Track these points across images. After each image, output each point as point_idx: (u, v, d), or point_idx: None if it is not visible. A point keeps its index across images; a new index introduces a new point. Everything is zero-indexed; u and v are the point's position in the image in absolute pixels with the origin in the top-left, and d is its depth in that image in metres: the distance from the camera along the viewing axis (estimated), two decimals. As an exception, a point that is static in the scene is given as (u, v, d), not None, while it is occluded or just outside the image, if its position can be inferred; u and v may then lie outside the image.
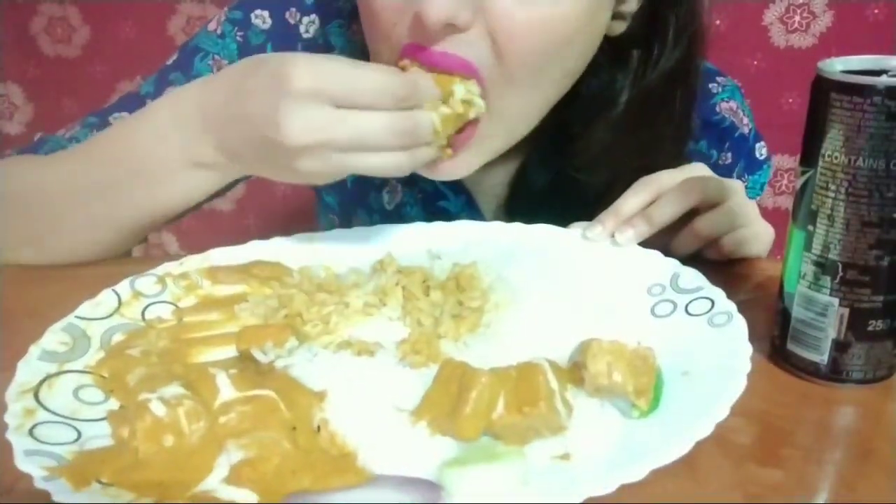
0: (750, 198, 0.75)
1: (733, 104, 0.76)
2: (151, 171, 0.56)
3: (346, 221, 0.81)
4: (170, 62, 0.72)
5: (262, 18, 0.70)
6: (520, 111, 0.59)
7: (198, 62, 0.70)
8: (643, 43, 0.63)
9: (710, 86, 0.75)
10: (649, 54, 0.63)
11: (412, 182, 0.73)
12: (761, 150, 0.78)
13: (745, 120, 0.76)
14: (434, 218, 0.65)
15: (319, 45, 0.71)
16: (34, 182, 0.62)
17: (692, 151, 0.73)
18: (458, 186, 0.74)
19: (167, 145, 0.55)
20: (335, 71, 0.48)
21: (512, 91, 0.56)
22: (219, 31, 0.71)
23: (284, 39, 0.70)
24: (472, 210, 0.75)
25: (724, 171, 0.76)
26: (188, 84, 0.57)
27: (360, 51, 0.69)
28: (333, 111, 0.48)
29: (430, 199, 0.74)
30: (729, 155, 0.76)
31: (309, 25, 0.71)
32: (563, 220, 0.61)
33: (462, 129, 0.55)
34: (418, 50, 0.53)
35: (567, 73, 0.59)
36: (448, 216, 0.71)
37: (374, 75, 0.49)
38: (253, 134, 0.50)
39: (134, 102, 0.69)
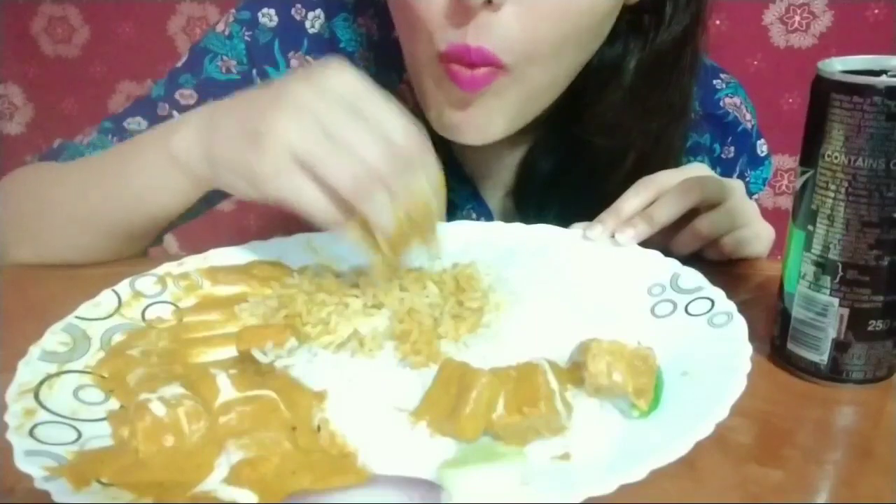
0: (753, 192, 0.77)
1: (737, 100, 0.77)
2: (132, 164, 0.56)
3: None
4: (179, 64, 0.72)
5: (268, 17, 0.70)
6: (542, 82, 0.59)
7: (207, 63, 0.71)
8: (654, 7, 0.64)
9: (714, 82, 0.76)
10: (660, 18, 0.64)
11: None
12: (762, 148, 0.79)
13: (748, 116, 0.77)
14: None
15: (325, 40, 0.71)
16: (39, 183, 0.63)
17: (696, 144, 0.73)
18: (463, 177, 0.74)
19: (156, 136, 0.55)
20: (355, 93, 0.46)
21: (537, 65, 0.57)
22: (227, 32, 0.71)
23: (291, 36, 0.71)
24: (477, 201, 0.75)
25: (727, 164, 0.77)
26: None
27: (366, 44, 0.71)
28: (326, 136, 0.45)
29: None
30: (732, 149, 0.76)
31: (314, 20, 0.71)
32: (570, 206, 0.63)
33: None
34: (461, 52, 0.54)
35: (590, 44, 0.60)
36: (453, 207, 0.72)
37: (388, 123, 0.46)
38: (244, 116, 0.48)
39: (146, 106, 0.70)
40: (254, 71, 0.71)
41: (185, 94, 0.70)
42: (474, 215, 0.75)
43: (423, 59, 0.58)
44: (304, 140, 0.44)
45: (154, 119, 0.70)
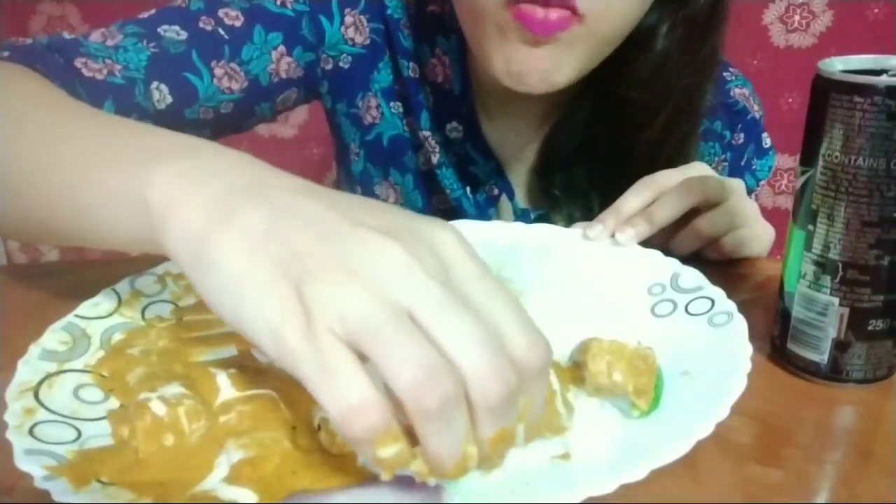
0: (760, 179, 0.79)
1: (745, 91, 0.79)
2: (97, 177, 0.40)
3: (370, 190, 0.80)
4: None
5: None
6: (610, 36, 0.59)
7: None
8: None
9: (724, 74, 0.78)
10: None
11: (447, 144, 0.74)
12: (766, 140, 0.81)
13: (756, 107, 0.79)
14: (465, 181, 0.68)
15: (377, 4, 0.71)
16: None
17: (708, 130, 0.74)
18: (487, 152, 0.74)
19: (143, 161, 0.37)
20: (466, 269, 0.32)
21: (608, 19, 0.57)
22: None
23: None
24: (500, 176, 0.75)
25: (737, 150, 0.78)
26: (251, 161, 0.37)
27: (406, 15, 0.71)
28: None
29: (461, 162, 0.75)
30: (742, 136, 0.78)
31: None
32: (595, 182, 0.66)
33: None
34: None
35: (648, 4, 0.60)
36: (476, 181, 0.73)
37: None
38: (295, 240, 0.31)
39: (183, 16, 0.65)
40: (306, 16, 0.69)
41: (231, 15, 0.65)
42: (496, 190, 0.76)
43: (490, 5, 0.56)
44: (369, 308, 0.29)
45: (195, 31, 0.64)
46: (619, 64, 0.65)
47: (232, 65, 0.65)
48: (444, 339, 0.29)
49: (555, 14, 0.54)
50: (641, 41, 0.64)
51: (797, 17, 1.46)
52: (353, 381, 0.28)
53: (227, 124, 0.70)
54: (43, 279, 0.59)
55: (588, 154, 0.72)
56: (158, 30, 0.63)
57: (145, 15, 0.65)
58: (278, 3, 0.68)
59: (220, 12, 0.66)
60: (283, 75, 0.70)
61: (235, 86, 0.67)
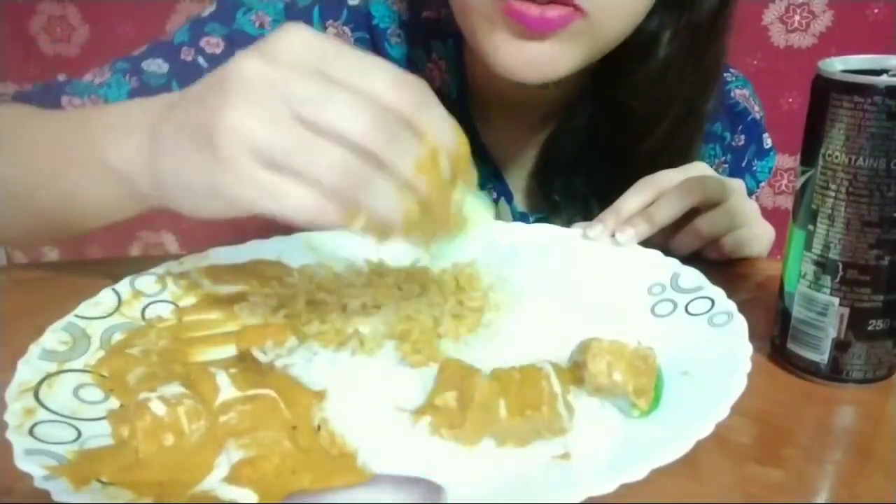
0: (760, 181, 0.79)
1: (746, 92, 0.79)
2: (65, 164, 0.49)
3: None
4: (206, 13, 0.69)
5: None
6: (613, 33, 0.58)
7: (240, 16, 0.68)
8: None
9: (725, 75, 0.77)
10: None
11: None
12: (767, 141, 0.81)
13: (756, 108, 0.79)
14: None
15: (363, 14, 0.70)
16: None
17: (708, 132, 0.74)
18: (485, 156, 0.74)
19: (90, 137, 0.46)
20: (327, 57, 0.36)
21: (613, 15, 0.56)
22: None
23: (332, 3, 0.70)
24: (498, 181, 0.75)
25: (738, 152, 0.78)
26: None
27: (398, 21, 0.70)
28: (289, 117, 0.35)
29: None
30: (742, 137, 0.78)
31: None
32: (594, 186, 0.66)
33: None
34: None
35: (650, 5, 0.59)
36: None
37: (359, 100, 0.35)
38: (188, 116, 0.39)
39: (166, 50, 0.67)
40: None
41: (212, 43, 0.67)
42: (495, 195, 0.75)
43: (481, 3, 0.55)
44: (265, 128, 0.35)
45: (177, 63, 0.66)
46: (620, 72, 0.65)
47: None
48: (329, 125, 0.35)
49: (554, 11, 0.53)
50: (643, 48, 0.64)
51: (797, 17, 1.46)
52: (301, 192, 0.35)
53: None
54: (43, 279, 0.59)
55: (587, 160, 0.72)
56: (142, 65, 0.66)
57: (135, 52, 0.68)
58: (257, 24, 0.68)
59: (202, 41, 0.67)
60: None
61: None
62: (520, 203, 0.77)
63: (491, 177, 0.75)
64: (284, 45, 0.36)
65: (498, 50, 0.57)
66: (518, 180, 0.76)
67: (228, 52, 0.67)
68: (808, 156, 0.43)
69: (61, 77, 0.66)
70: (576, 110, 0.71)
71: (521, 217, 0.76)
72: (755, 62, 1.46)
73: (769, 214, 0.62)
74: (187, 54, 0.66)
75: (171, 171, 0.40)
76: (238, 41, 0.67)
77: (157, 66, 0.66)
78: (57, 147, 0.50)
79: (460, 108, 0.72)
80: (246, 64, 0.36)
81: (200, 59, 0.66)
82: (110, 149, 0.44)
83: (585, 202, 0.71)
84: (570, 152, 0.72)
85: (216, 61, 0.66)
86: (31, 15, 1.57)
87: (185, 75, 0.65)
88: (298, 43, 0.36)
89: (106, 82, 0.65)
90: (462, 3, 0.59)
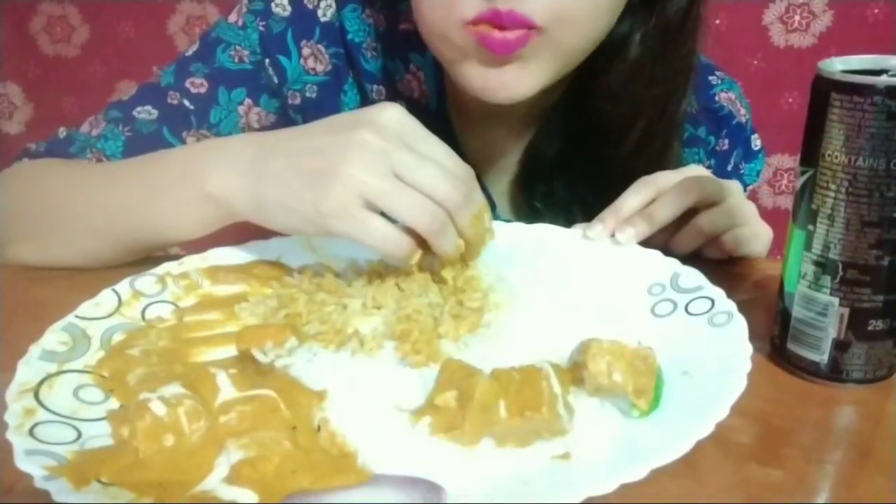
0: (747, 184, 0.79)
1: (731, 95, 0.78)
2: (162, 193, 0.56)
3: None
4: (189, 53, 0.72)
5: (281, 6, 0.71)
6: (576, 44, 0.60)
7: (220, 53, 0.71)
8: None
9: (710, 78, 0.77)
10: None
11: None
12: (756, 142, 0.80)
13: (742, 111, 0.78)
14: None
15: (336, 29, 0.72)
16: (48, 184, 0.63)
17: (692, 136, 0.75)
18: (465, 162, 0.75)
19: (190, 172, 0.54)
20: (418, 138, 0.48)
21: (571, 26, 0.57)
22: (240, 23, 0.71)
23: (304, 24, 0.71)
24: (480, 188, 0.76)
25: (722, 156, 0.78)
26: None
27: (373, 34, 0.72)
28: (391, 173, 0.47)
29: None
30: (726, 141, 0.78)
31: (326, 9, 0.71)
32: (575, 190, 0.68)
33: None
34: (492, 17, 0.54)
35: (620, 7, 0.60)
36: None
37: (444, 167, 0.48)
38: (307, 162, 0.48)
39: (154, 94, 0.70)
40: (266, 60, 0.71)
41: (196, 83, 0.70)
42: None
43: (450, 26, 0.57)
44: (376, 181, 0.46)
45: (164, 108, 0.70)
46: (592, 76, 0.66)
47: (202, 130, 0.71)
48: (422, 185, 0.46)
49: (512, 34, 0.55)
50: (614, 51, 0.65)
51: (797, 17, 1.46)
52: (384, 226, 0.47)
53: None
54: (43, 279, 0.59)
55: (568, 166, 0.72)
56: (133, 112, 0.70)
57: (126, 97, 0.71)
58: (236, 59, 0.71)
59: (187, 83, 0.70)
60: (256, 125, 0.74)
61: None
62: (503, 211, 0.77)
63: None
64: (386, 120, 0.48)
65: (469, 77, 0.60)
66: (500, 187, 0.77)
67: (212, 91, 0.71)
68: (808, 156, 0.43)
69: (61, 132, 0.70)
70: (554, 116, 0.71)
71: None
72: (755, 62, 1.46)
73: (769, 214, 0.63)
74: (173, 98, 0.70)
75: (277, 199, 0.49)
76: (220, 78, 0.71)
77: (146, 112, 0.70)
78: (152, 179, 0.57)
79: (440, 118, 0.72)
80: (363, 134, 0.47)
81: (186, 102, 0.70)
82: (210, 180, 0.52)
83: (567, 209, 0.71)
84: (550, 158, 0.72)
85: (201, 101, 0.70)
86: (31, 15, 1.58)
87: (173, 119, 0.70)
88: (396, 121, 0.48)
89: (102, 134, 0.69)
90: (435, 34, 0.60)
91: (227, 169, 0.52)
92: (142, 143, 0.68)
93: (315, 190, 0.46)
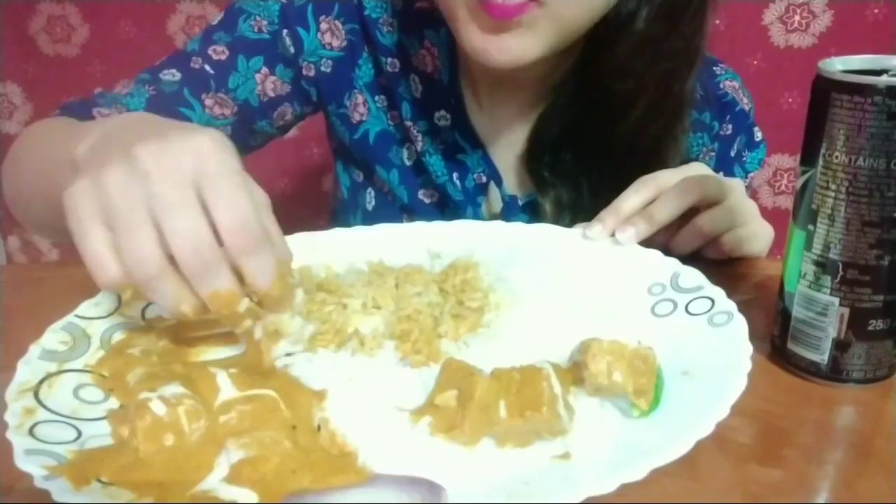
0: (749, 171, 0.81)
1: (735, 84, 0.81)
2: (55, 156, 0.54)
3: (362, 192, 0.84)
4: (215, 23, 0.76)
5: None
6: (575, 17, 0.62)
7: (241, 23, 0.74)
8: None
9: (714, 68, 0.80)
10: None
11: (435, 132, 0.77)
12: (757, 134, 0.82)
13: (745, 100, 0.81)
14: (452, 169, 0.74)
15: (354, 6, 0.75)
16: (30, 147, 0.65)
17: (696, 121, 0.76)
18: (474, 141, 0.77)
19: (70, 141, 0.49)
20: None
21: (569, 1, 0.59)
22: None
23: (325, 1, 0.74)
24: (487, 164, 0.77)
25: (725, 141, 0.80)
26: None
27: (390, 11, 0.75)
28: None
29: (449, 150, 0.77)
30: (730, 126, 0.80)
31: None
32: (581, 167, 0.70)
33: None
34: None
35: None
36: (464, 168, 0.77)
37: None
38: (102, 151, 0.44)
39: (179, 60, 0.74)
40: (284, 31, 0.74)
41: (218, 50, 0.74)
42: (484, 178, 0.77)
43: None
44: (120, 198, 0.39)
45: (187, 71, 0.73)
46: (600, 49, 0.67)
47: (220, 94, 0.74)
48: (164, 231, 0.39)
49: (512, 1, 0.57)
50: (622, 25, 0.66)
51: (797, 17, 1.45)
52: (100, 244, 0.40)
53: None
54: (43, 279, 0.59)
55: (575, 140, 0.74)
56: (160, 74, 0.73)
57: (157, 62, 0.75)
58: (255, 29, 0.74)
59: (210, 50, 0.74)
60: (272, 94, 0.76)
61: (227, 111, 0.74)
62: (509, 186, 0.78)
63: (481, 161, 0.77)
64: (186, 148, 0.40)
65: (471, 39, 0.62)
66: (507, 162, 0.78)
67: (232, 58, 0.74)
68: (808, 156, 0.43)
69: (97, 90, 0.74)
70: (564, 90, 0.73)
71: (510, 200, 0.77)
72: (755, 62, 1.46)
73: (769, 214, 0.62)
74: (196, 63, 0.73)
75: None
76: (240, 47, 0.74)
77: (171, 74, 0.73)
78: (57, 140, 0.56)
79: (451, 93, 0.75)
80: (143, 151, 0.40)
81: (207, 67, 0.73)
82: (80, 143, 0.47)
83: (574, 179, 0.73)
84: (557, 132, 0.74)
85: (221, 67, 0.74)
86: (31, 15, 1.57)
87: (194, 81, 0.73)
88: (193, 152, 0.40)
89: (129, 92, 0.72)
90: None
91: (86, 139, 0.47)
92: (164, 100, 0.71)
93: (71, 179, 0.42)
